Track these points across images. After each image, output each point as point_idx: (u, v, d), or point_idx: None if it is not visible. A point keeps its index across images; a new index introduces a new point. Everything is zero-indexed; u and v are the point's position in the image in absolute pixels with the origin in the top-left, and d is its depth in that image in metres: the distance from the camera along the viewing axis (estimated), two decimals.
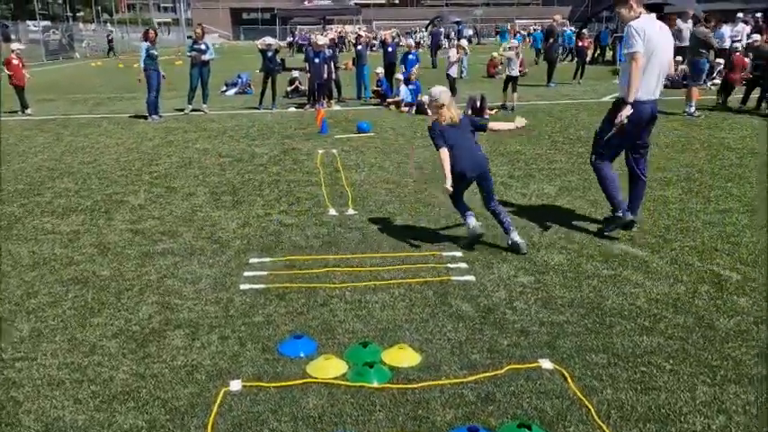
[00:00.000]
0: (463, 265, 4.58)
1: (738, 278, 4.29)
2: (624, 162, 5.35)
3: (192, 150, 8.97)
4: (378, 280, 4.34)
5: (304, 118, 12.01)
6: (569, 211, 5.88)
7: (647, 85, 4.84)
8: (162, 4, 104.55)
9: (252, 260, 4.72)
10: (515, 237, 4.85)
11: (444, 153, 4.76)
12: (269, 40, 13.21)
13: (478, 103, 11.83)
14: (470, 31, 53.66)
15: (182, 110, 12.95)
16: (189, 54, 12.59)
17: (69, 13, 45.33)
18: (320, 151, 8.73)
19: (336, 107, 13.51)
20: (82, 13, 66.80)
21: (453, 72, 12.47)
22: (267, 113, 12.78)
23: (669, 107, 12.58)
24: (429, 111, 11.74)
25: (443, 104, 4.85)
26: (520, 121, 5.20)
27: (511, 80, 12.69)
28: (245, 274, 4.47)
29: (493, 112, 11.92)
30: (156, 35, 12.01)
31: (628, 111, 4.82)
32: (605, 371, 3.18)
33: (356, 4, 69.84)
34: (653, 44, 4.75)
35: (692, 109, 11.56)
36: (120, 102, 15.23)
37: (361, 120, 10.94)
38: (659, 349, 3.38)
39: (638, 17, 4.86)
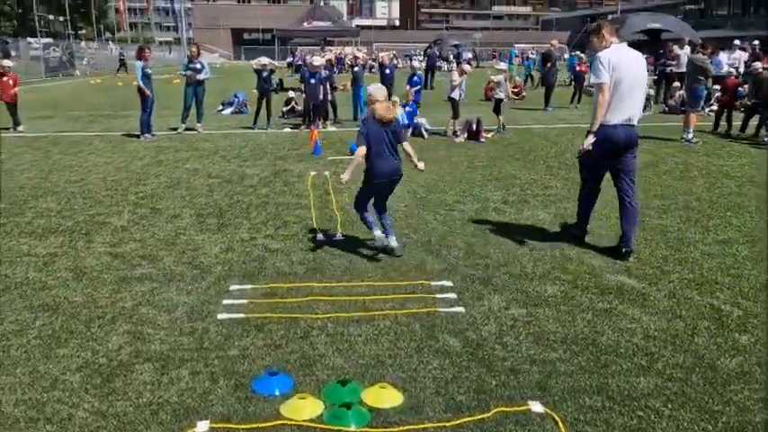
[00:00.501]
0: (452, 295, 4.40)
1: (740, 314, 4.10)
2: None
3: (182, 170, 8.81)
4: (362, 311, 4.15)
5: (298, 138, 11.89)
6: (564, 240, 5.70)
7: (618, 111, 4.93)
8: (164, 23, 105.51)
9: (232, 287, 4.53)
10: (393, 242, 5.16)
11: (361, 151, 4.97)
12: (264, 60, 13.14)
13: (474, 126, 11.72)
14: (470, 55, 54.00)
15: (175, 129, 12.83)
16: (183, 73, 12.50)
17: (71, 31, 45.53)
18: (312, 173, 8.57)
19: (332, 128, 13.40)
20: (84, 31, 67.31)
21: (456, 95, 12.34)
22: (261, 133, 12.66)
23: (667, 133, 12.50)
24: (423, 131, 11.66)
25: (377, 100, 4.98)
26: (421, 165, 5.39)
27: (498, 103, 12.58)
28: (225, 302, 4.27)
29: (489, 135, 11.81)
30: (148, 52, 11.90)
31: (590, 140, 5.04)
32: (599, 415, 2.98)
33: (357, 26, 70.41)
34: (621, 72, 4.87)
35: (690, 135, 11.46)
36: (115, 119, 15.12)
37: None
38: (657, 391, 3.18)
39: (609, 47, 5.01)
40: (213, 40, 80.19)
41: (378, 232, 5.20)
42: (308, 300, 4.30)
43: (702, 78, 11.67)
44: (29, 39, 41.82)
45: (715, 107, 16.02)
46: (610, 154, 5.09)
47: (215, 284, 4.58)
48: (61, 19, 42.09)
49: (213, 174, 8.57)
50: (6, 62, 13.00)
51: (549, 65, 17.44)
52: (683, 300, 4.35)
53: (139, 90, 11.55)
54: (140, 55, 11.70)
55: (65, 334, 3.81)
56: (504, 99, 12.56)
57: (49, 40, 40.19)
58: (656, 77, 19.48)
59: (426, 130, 12.16)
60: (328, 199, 7.14)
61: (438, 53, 52.58)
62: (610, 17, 75.24)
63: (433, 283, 4.62)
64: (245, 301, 4.28)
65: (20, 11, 51.85)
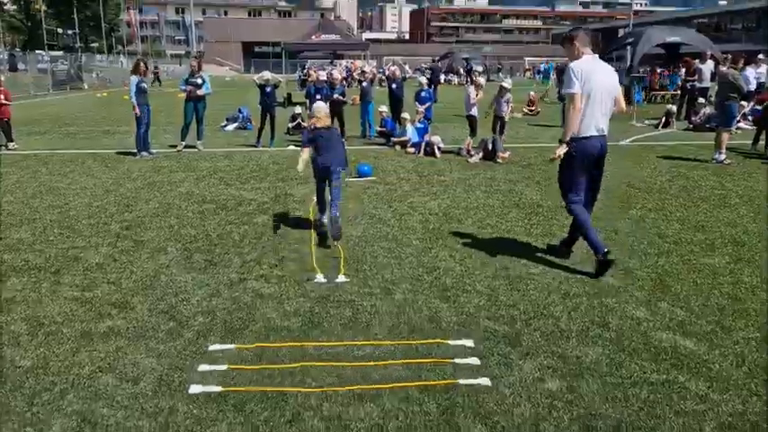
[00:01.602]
0: (474, 360, 3.65)
1: None
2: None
3: (175, 194, 8.14)
4: (366, 382, 3.41)
5: None
6: (601, 285, 4.94)
7: (591, 122, 5.00)
8: (176, 37, 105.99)
9: (212, 347, 3.81)
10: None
11: (306, 151, 6.20)
12: (267, 74, 12.51)
13: (490, 146, 11.01)
14: (480, 68, 53.54)
15: (175, 146, 12.21)
16: (183, 88, 11.89)
17: (80, 44, 45.45)
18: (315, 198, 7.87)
19: None
20: (96, 44, 67.47)
21: (475, 112, 11.60)
22: (265, 152, 12.01)
23: (695, 153, 11.72)
24: (436, 150, 10.92)
25: (318, 117, 6.23)
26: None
27: (499, 120, 11.81)
28: (200, 368, 3.55)
29: (506, 155, 11.08)
30: (147, 68, 11.31)
31: (562, 149, 5.07)
32: None
33: (367, 39, 70.22)
34: (592, 83, 4.94)
35: (722, 156, 10.69)
36: (114, 136, 14.55)
37: (363, 161, 10.12)
38: None
39: (581, 58, 5.06)
40: (223, 53, 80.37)
41: (324, 219, 6.08)
42: (300, 366, 3.58)
43: (735, 95, 10.91)
44: (38, 51, 41.73)
45: (743, 125, 15.23)
46: (588, 165, 5.16)
47: (192, 343, 3.86)
48: (70, 32, 41.92)
49: (208, 198, 7.89)
50: None
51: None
52: (756, 368, 3.58)
53: (133, 107, 10.94)
54: (136, 69, 11.09)
55: None
56: (507, 118, 11.82)
57: (59, 53, 39.96)
58: (675, 93, 18.76)
59: (439, 149, 11.45)
60: None
61: (444, 67, 52.19)
62: (622, 32, 74.71)
63: (450, 343, 3.88)
64: (224, 367, 3.55)
65: (29, 24, 51.96)
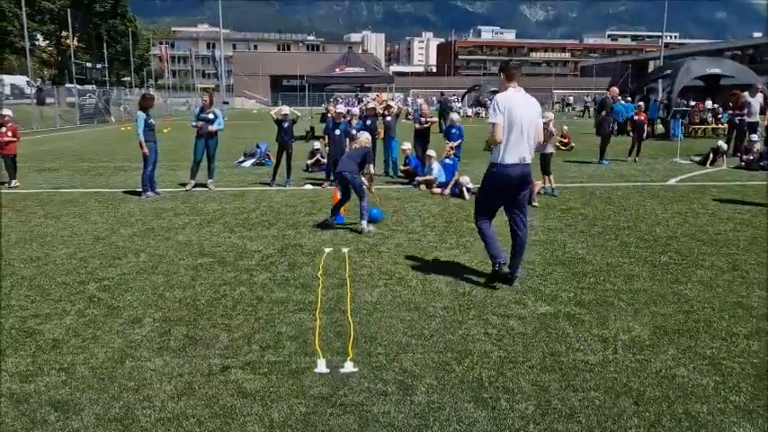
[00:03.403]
0: None
1: None
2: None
3: (171, 243, 7.25)
4: None
5: (318, 199, 10.31)
6: (680, 379, 3.82)
7: (513, 151, 5.35)
8: (206, 71, 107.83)
9: None
10: (364, 224, 7.53)
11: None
12: (285, 109, 11.73)
13: None
14: None
15: (185, 185, 11.44)
16: (194, 124, 11.14)
17: (108, 78, 45.98)
18: (327, 250, 6.91)
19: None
20: (127, 78, 68.65)
21: (551, 149, 10.55)
22: (279, 192, 11.14)
23: (754, 195, 10.46)
24: (465, 191, 9.94)
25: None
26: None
27: (546, 158, 10.65)
28: None
29: (540, 187, 10.01)
30: (153, 102, 10.60)
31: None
32: None
33: (394, 72, 70.39)
34: (513, 115, 5.31)
35: None
36: (125, 173, 13.88)
37: (384, 202, 9.16)
38: None
39: (506, 90, 5.44)
40: (252, 87, 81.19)
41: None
42: None
43: None
44: (68, 85, 42.17)
45: None
46: (505, 191, 5.52)
47: None
48: (99, 66, 42.37)
49: (206, 249, 6.97)
50: (5, 111, 11.84)
51: (604, 113, 15.65)
52: None
53: (140, 144, 10.20)
54: (144, 104, 10.36)
55: None
56: (550, 151, 10.70)
57: (88, 87, 40.31)
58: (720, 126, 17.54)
59: (468, 190, 10.44)
60: (342, 294, 5.42)
61: (471, 101, 51.48)
62: (652, 64, 73.28)
63: None
64: None
65: (60, 59, 52.94)
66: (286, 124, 11.49)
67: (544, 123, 10.45)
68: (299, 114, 13.13)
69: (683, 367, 4.00)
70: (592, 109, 44.77)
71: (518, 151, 5.36)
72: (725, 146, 15.38)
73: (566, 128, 20.33)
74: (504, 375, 3.88)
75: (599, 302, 5.25)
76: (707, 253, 6.86)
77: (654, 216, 8.94)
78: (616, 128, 19.67)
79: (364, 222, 7.73)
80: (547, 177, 10.74)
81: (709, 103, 26.20)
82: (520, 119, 5.31)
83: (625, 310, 5.07)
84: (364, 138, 8.41)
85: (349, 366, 3.99)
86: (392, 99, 25.57)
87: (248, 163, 15.45)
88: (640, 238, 7.60)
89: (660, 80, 29.22)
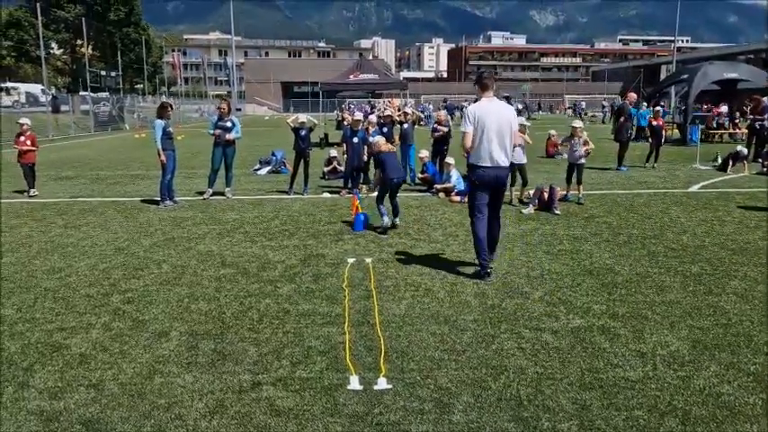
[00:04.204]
0: None
1: None
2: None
3: (193, 254, 7.20)
4: None
5: (337, 207, 10.24)
6: (726, 397, 3.69)
7: (485, 154, 5.92)
8: (218, 78, 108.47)
9: None
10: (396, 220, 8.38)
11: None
12: (302, 117, 11.66)
13: (546, 195, 9.83)
14: (520, 106, 52.72)
15: (202, 193, 11.42)
16: (211, 132, 11.11)
17: (122, 86, 46.31)
18: (350, 260, 6.82)
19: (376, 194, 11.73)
20: (141, 86, 69.14)
21: (583, 159, 10.46)
22: (297, 200, 11.09)
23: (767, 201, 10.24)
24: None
25: (380, 147, 8.31)
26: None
27: (577, 168, 10.50)
28: None
29: (561, 192, 9.87)
30: (172, 110, 10.58)
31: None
32: None
33: (404, 78, 70.42)
34: (484, 122, 5.86)
35: None
36: (142, 181, 13.91)
37: (404, 210, 9.07)
38: None
39: (479, 100, 6.02)
40: (263, 94, 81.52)
41: (386, 219, 8.17)
42: None
43: None
44: (82, 93, 42.50)
45: None
46: (487, 188, 6.03)
47: None
48: (113, 74, 42.67)
49: (228, 260, 6.90)
50: (24, 120, 11.88)
51: (622, 119, 15.49)
52: None
53: (158, 153, 10.19)
54: (162, 113, 10.35)
55: None
56: (583, 161, 10.53)
57: (101, 94, 40.59)
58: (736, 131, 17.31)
59: None
60: (369, 305, 5.33)
61: (455, 105, 51.50)
62: (665, 68, 72.71)
63: None
64: None
65: (74, 67, 53.42)
66: (303, 132, 11.43)
67: (578, 131, 10.30)
68: (317, 122, 13.05)
69: (727, 384, 3.87)
70: (609, 114, 44.53)
71: (492, 155, 5.90)
72: (745, 150, 15.16)
73: (553, 132, 19.52)
74: (542, 393, 3.77)
75: (633, 315, 5.12)
76: (738, 263, 6.71)
77: (679, 224, 8.78)
78: (633, 134, 19.45)
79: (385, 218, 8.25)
80: (579, 186, 10.54)
81: (725, 108, 25.92)
82: (491, 126, 5.83)
83: (660, 323, 4.94)
84: (383, 142, 8.55)
85: (383, 383, 3.89)
86: (405, 105, 25.52)
87: (264, 171, 15.43)
88: (668, 247, 7.45)
89: (673, 85, 28.98)
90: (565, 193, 10.60)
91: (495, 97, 6.05)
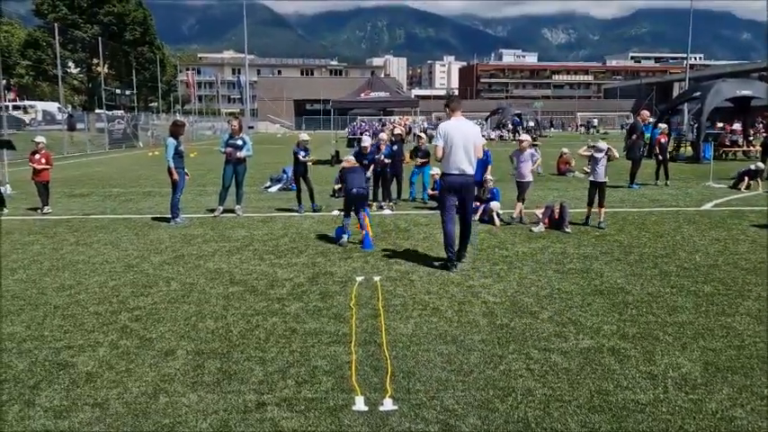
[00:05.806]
0: None
1: None
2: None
3: (202, 271, 7.22)
4: None
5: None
6: (739, 422, 3.61)
7: (453, 165, 6.99)
8: (231, 96, 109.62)
9: None
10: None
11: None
12: (303, 135, 11.78)
13: (557, 213, 9.77)
14: (531, 123, 52.77)
15: (213, 210, 11.48)
16: (222, 150, 11.19)
17: (137, 104, 46.93)
18: (358, 278, 6.80)
19: (386, 211, 11.74)
20: (155, 104, 70.02)
21: (528, 175, 10.40)
22: (306, 218, 11.11)
23: None
24: (495, 217, 9.78)
25: (345, 164, 9.41)
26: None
27: (599, 187, 9.95)
28: None
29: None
30: (184, 129, 10.69)
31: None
32: None
33: (416, 96, 70.61)
34: (451, 137, 6.98)
35: None
36: (153, 198, 14.01)
37: (413, 228, 9.03)
38: None
39: (449, 119, 7.22)
40: (276, 111, 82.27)
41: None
42: None
43: None
44: (98, 111, 43.13)
45: None
46: (453, 192, 7.07)
47: None
48: (128, 92, 43.31)
49: (237, 278, 6.91)
50: (40, 138, 12.05)
51: (634, 137, 15.43)
52: None
53: (169, 171, 10.28)
54: (175, 130, 10.45)
55: None
56: (605, 179, 10.01)
57: (116, 112, 41.16)
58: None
59: (498, 216, 10.29)
60: (376, 325, 5.30)
61: (494, 123, 51.56)
62: (677, 86, 72.39)
63: None
64: None
65: (90, 86, 54.25)
66: (302, 154, 11.42)
67: (603, 150, 9.96)
68: (312, 160, 12.62)
69: (740, 408, 3.80)
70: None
71: (457, 164, 6.97)
72: (762, 165, 15.01)
73: (566, 150, 19.30)
74: (550, 415, 3.71)
75: (643, 336, 5.04)
76: (752, 283, 6.61)
77: (692, 243, 8.69)
78: (645, 151, 19.35)
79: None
80: (600, 209, 9.92)
81: (738, 126, 25.76)
82: (457, 141, 6.94)
83: (672, 344, 4.87)
84: (351, 160, 9.58)
85: (388, 404, 3.85)
86: (414, 124, 25.55)
87: (275, 188, 15.50)
88: (680, 266, 7.36)
89: (686, 103, 28.85)
90: (585, 217, 10.19)
91: (462, 116, 7.26)
